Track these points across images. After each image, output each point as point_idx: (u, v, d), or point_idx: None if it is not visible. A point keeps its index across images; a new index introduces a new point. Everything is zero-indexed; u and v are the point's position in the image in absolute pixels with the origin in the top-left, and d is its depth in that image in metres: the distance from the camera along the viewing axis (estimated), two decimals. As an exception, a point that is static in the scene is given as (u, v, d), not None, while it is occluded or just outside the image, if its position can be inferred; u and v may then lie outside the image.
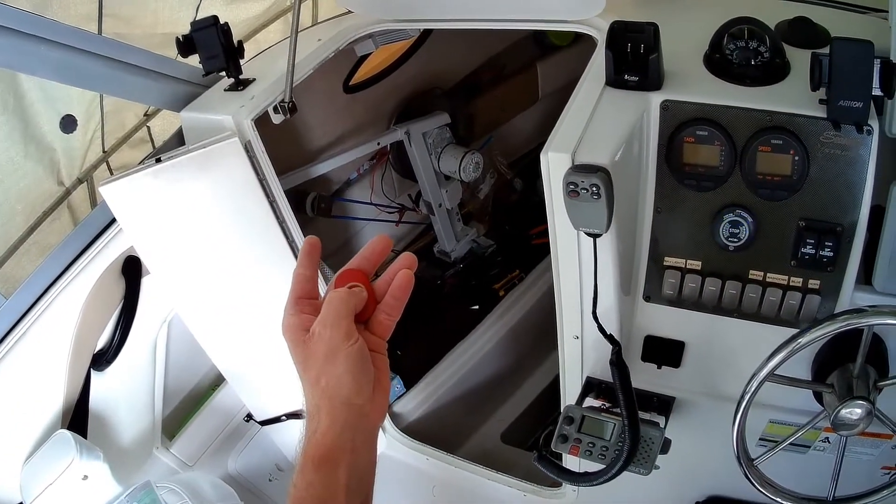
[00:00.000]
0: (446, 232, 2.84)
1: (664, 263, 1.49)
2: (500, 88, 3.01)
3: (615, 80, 1.39)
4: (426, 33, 2.60)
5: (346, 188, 2.76)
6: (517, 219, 3.14)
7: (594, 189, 1.24)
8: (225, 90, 1.81)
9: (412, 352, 2.63)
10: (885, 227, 1.33)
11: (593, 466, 1.59)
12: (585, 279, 1.45)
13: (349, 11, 1.97)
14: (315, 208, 2.53)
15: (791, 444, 1.43)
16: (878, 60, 1.21)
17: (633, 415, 1.48)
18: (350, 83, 2.54)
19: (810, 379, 1.47)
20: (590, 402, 1.67)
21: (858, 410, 1.32)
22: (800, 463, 1.66)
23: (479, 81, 2.95)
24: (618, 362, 1.47)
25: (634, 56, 1.36)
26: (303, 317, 0.85)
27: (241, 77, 1.80)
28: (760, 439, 1.69)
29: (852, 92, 1.22)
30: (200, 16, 2.23)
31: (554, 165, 1.32)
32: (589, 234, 1.33)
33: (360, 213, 2.84)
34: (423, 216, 2.94)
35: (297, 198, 2.45)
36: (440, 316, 2.77)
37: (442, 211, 2.78)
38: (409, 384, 2.51)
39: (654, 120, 1.37)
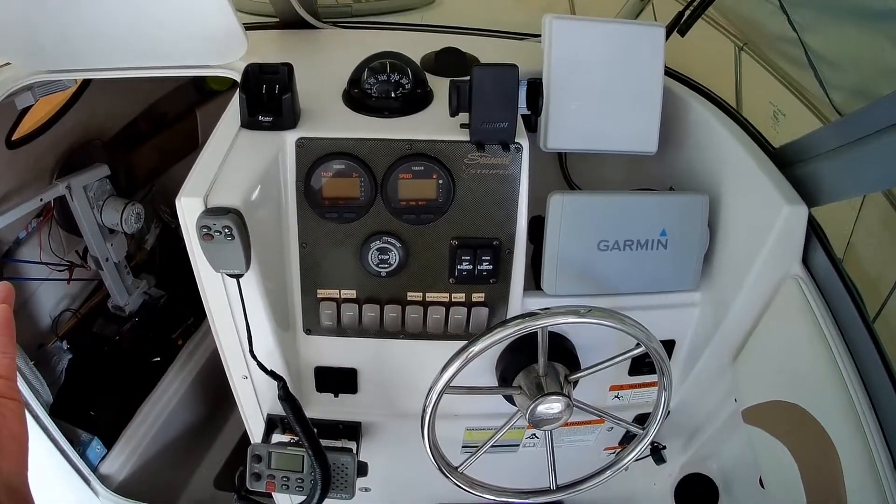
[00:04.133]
0: (117, 286, 2.64)
1: (318, 296, 1.45)
2: (159, 137, 2.90)
3: (249, 121, 1.34)
4: (85, 84, 2.43)
5: (16, 248, 2.47)
6: (186, 266, 3.06)
7: (227, 231, 1.18)
8: None
9: (106, 410, 2.44)
10: (546, 235, 1.39)
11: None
12: (238, 319, 1.38)
13: (6, 63, 1.83)
14: None
15: (498, 445, 1.43)
16: (526, 82, 1.28)
17: (314, 444, 1.44)
18: (12, 138, 2.27)
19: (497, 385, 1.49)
20: (278, 437, 1.62)
21: (556, 405, 1.35)
22: (518, 461, 1.72)
23: (139, 131, 2.82)
24: (286, 397, 1.42)
25: (269, 96, 1.31)
26: None
27: None
28: (463, 447, 1.72)
29: (496, 114, 1.25)
30: None
31: (188, 210, 1.24)
32: (231, 276, 1.27)
33: (33, 274, 2.56)
34: (93, 272, 2.73)
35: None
36: (125, 371, 2.59)
37: (110, 265, 2.58)
38: (108, 443, 2.31)
39: (290, 158, 1.33)
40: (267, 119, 1.33)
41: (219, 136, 1.36)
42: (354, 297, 1.46)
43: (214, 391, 2.66)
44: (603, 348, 1.47)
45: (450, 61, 1.58)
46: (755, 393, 1.47)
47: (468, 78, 1.25)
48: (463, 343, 1.29)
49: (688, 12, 1.58)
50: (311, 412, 1.59)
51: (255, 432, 1.68)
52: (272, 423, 1.63)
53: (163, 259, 2.97)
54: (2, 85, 1.75)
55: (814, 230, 1.35)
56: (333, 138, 1.33)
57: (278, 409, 1.58)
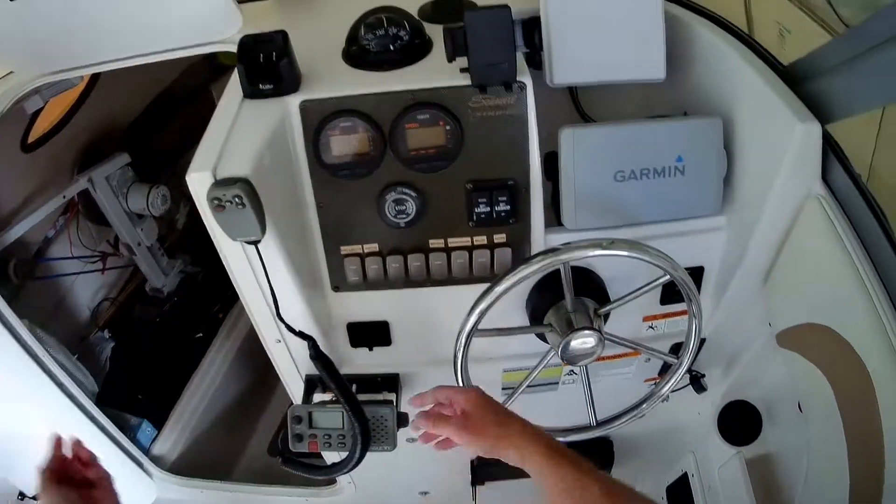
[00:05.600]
0: (153, 269, 2.72)
1: (341, 253, 1.46)
2: (177, 118, 2.92)
3: (251, 91, 1.34)
4: (95, 77, 2.45)
5: (47, 247, 2.55)
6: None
7: (237, 200, 1.18)
8: None
9: (153, 392, 2.51)
10: (561, 171, 1.38)
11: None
12: (263, 284, 1.39)
13: (10, 72, 1.80)
14: (18, 274, 2.33)
15: (537, 384, 1.46)
16: (520, 21, 1.26)
17: (350, 399, 1.45)
18: (28, 141, 2.34)
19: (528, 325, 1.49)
20: (319, 397, 1.63)
21: (589, 340, 1.35)
22: (559, 399, 1.72)
23: (156, 114, 2.84)
24: (317, 355, 1.42)
25: (267, 64, 1.31)
26: None
27: None
28: (503, 389, 1.73)
29: (494, 55, 1.24)
30: None
31: (198, 185, 1.23)
32: (249, 243, 1.28)
33: (67, 269, 2.63)
34: (127, 259, 2.79)
35: (-1, 267, 2.25)
36: (169, 351, 2.65)
37: (142, 249, 2.65)
38: (158, 424, 2.38)
39: (296, 121, 1.34)
40: (268, 87, 1.33)
41: (222, 110, 1.36)
42: (377, 250, 1.47)
43: (259, 360, 2.67)
44: (632, 279, 1.45)
45: (447, 9, 1.56)
46: (787, 316, 1.45)
47: (462, 24, 1.24)
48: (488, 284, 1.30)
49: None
50: (348, 368, 1.63)
51: (296, 394, 1.71)
52: (311, 384, 1.65)
53: (196, 236, 3.00)
54: (7, 93, 1.78)
55: (831, 148, 1.32)
56: (336, 97, 1.33)
57: (315, 369, 1.60)
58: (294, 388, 1.70)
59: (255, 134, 1.29)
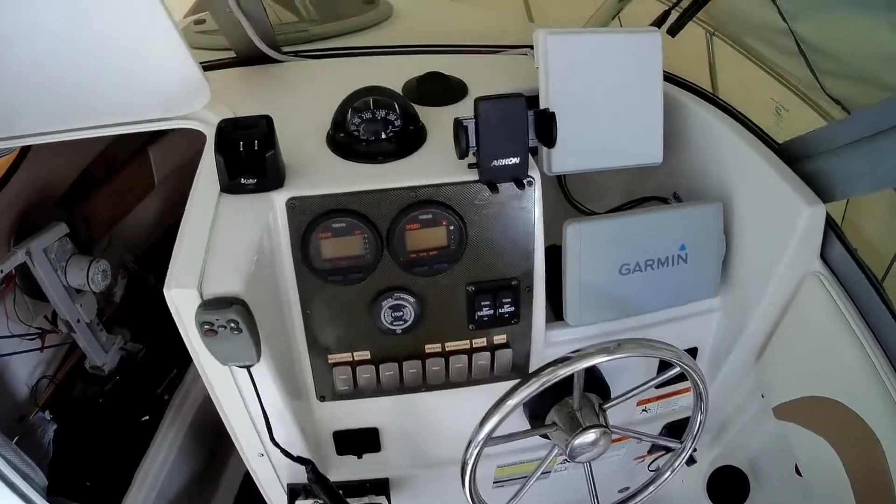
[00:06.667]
0: (92, 346, 2.50)
1: (329, 362, 1.35)
2: (113, 183, 2.74)
3: (230, 185, 1.20)
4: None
5: None
6: (160, 316, 2.93)
7: (233, 325, 1.06)
8: None
9: (102, 479, 2.32)
10: (566, 267, 1.33)
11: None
12: (252, 405, 1.28)
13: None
14: None
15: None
16: (532, 112, 1.16)
17: None
18: None
19: (529, 426, 1.44)
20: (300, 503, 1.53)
21: (593, 436, 1.30)
22: (552, 485, 1.66)
23: (91, 180, 2.64)
24: (316, 478, 1.33)
25: (248, 155, 1.18)
26: None
27: None
28: (494, 482, 1.67)
29: (506, 150, 1.15)
30: None
31: (180, 303, 1.11)
32: (240, 367, 1.16)
33: (2, 345, 2.39)
34: (65, 335, 2.61)
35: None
36: (115, 434, 2.46)
37: (82, 326, 2.43)
38: None
39: (281, 220, 1.21)
40: (250, 181, 1.20)
41: (197, 206, 1.22)
42: (369, 357, 1.36)
43: (209, 440, 2.58)
44: (629, 368, 1.44)
45: (434, 88, 1.47)
46: (786, 390, 1.45)
47: (471, 115, 1.15)
48: (487, 388, 1.28)
49: (675, 11, 1.52)
50: (334, 476, 1.52)
51: (276, 502, 1.59)
52: (294, 493, 1.54)
53: (134, 310, 2.83)
54: None
55: (828, 224, 1.33)
56: (328, 194, 1.22)
57: (298, 479, 1.52)
58: (273, 496, 1.59)
59: (240, 239, 1.16)
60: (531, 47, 1.53)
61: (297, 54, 1.76)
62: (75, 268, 2.37)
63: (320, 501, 1.49)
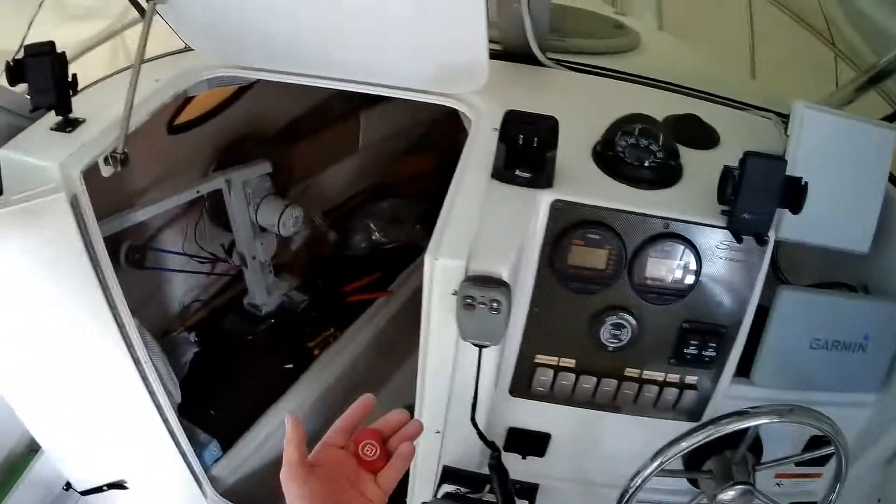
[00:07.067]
0: (258, 285, 2.62)
1: (535, 361, 1.40)
2: (320, 136, 2.85)
3: (504, 174, 1.28)
4: None
5: (158, 234, 2.46)
6: (331, 273, 2.99)
7: (494, 304, 1.13)
8: (51, 129, 1.52)
9: (227, 412, 2.40)
10: (770, 329, 1.38)
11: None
12: (459, 383, 1.34)
13: (186, 47, 1.75)
14: (129, 260, 2.22)
15: None
16: (785, 178, 1.21)
17: None
18: (174, 123, 2.26)
19: (683, 467, 1.48)
20: (445, 488, 1.57)
21: (740, 492, 1.35)
22: None
23: (301, 128, 2.77)
24: (498, 466, 1.38)
25: (528, 150, 1.25)
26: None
27: (70, 116, 1.51)
28: None
29: (759, 206, 1.21)
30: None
31: (443, 273, 1.18)
32: (477, 346, 1.22)
33: (170, 261, 2.54)
34: (234, 268, 2.70)
35: (109, 247, 2.18)
36: (253, 374, 2.54)
37: (255, 263, 2.56)
38: (225, 446, 2.29)
39: (541, 219, 1.27)
40: (524, 174, 1.27)
41: (467, 185, 1.30)
42: (573, 366, 1.41)
43: (336, 409, 2.60)
44: (781, 434, 1.49)
45: (691, 130, 1.52)
46: None
47: (734, 165, 1.21)
48: (661, 422, 1.41)
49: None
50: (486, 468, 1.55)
51: (422, 480, 1.64)
52: (447, 475, 1.58)
53: (308, 263, 2.94)
54: (184, 75, 1.70)
55: None
56: (591, 206, 1.28)
57: (455, 462, 1.57)
58: (423, 474, 1.62)
59: (509, 227, 1.23)
60: (776, 113, 1.64)
61: (557, 63, 1.79)
62: (269, 208, 2.48)
63: (463, 490, 1.56)
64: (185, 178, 2.41)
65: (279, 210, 2.45)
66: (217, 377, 2.51)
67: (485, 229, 1.21)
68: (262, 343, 2.67)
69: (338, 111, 2.91)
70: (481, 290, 1.13)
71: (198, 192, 2.32)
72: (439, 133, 3.23)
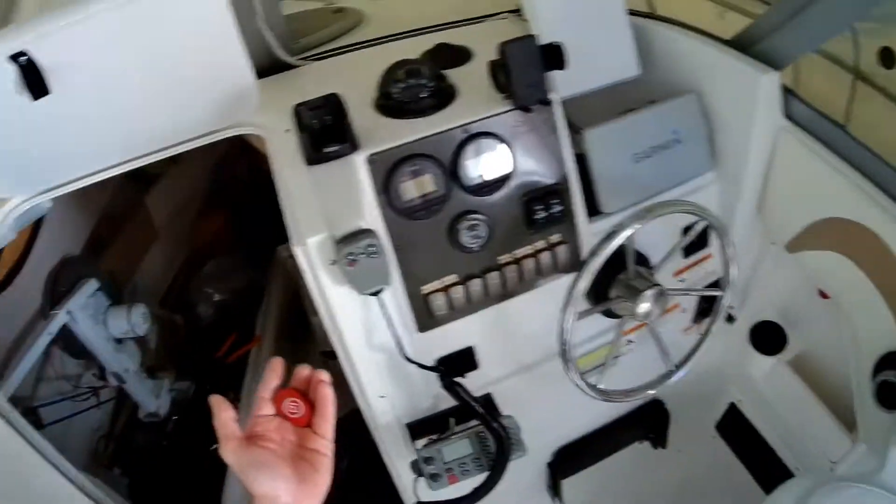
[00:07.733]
0: (143, 394, 2.59)
1: (423, 292, 1.53)
2: (120, 237, 2.84)
3: (316, 157, 1.40)
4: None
5: (37, 390, 2.32)
6: (197, 350, 3.02)
7: (371, 249, 1.27)
8: None
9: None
10: (593, 166, 1.58)
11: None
12: (378, 340, 1.47)
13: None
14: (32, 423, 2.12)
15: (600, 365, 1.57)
16: (540, 47, 1.41)
17: (486, 417, 1.52)
18: None
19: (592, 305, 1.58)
20: (419, 444, 1.64)
21: (652, 295, 1.49)
22: (624, 368, 1.78)
23: (102, 237, 2.73)
24: (449, 384, 1.51)
25: (326, 129, 1.38)
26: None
27: None
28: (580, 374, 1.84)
29: (529, 78, 1.41)
30: None
31: (317, 249, 1.30)
32: (373, 293, 1.36)
33: (62, 412, 2.36)
34: (113, 387, 2.63)
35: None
36: (188, 476, 2.52)
37: (130, 375, 2.52)
38: None
39: (365, 176, 1.40)
40: (333, 148, 1.39)
41: (291, 182, 1.40)
42: (457, 279, 1.55)
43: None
44: (658, 243, 1.67)
45: (445, 56, 1.71)
46: (790, 226, 1.74)
47: (500, 58, 1.41)
48: (554, 284, 1.57)
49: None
50: (443, 404, 1.69)
51: (392, 449, 1.74)
52: (413, 430, 1.69)
53: (171, 353, 2.92)
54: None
55: (787, 91, 1.65)
56: (398, 145, 1.42)
57: (412, 416, 1.69)
58: (389, 442, 1.72)
59: (346, 193, 1.37)
60: (508, 11, 1.89)
61: (306, 59, 1.90)
62: (115, 318, 2.46)
63: (434, 436, 1.64)
64: (28, 329, 2.27)
65: (125, 315, 2.45)
66: (160, 496, 2.49)
67: (326, 203, 1.34)
68: (180, 441, 2.67)
69: (123, 207, 2.90)
70: (355, 244, 1.27)
71: (49, 334, 2.24)
72: (225, 178, 3.31)
